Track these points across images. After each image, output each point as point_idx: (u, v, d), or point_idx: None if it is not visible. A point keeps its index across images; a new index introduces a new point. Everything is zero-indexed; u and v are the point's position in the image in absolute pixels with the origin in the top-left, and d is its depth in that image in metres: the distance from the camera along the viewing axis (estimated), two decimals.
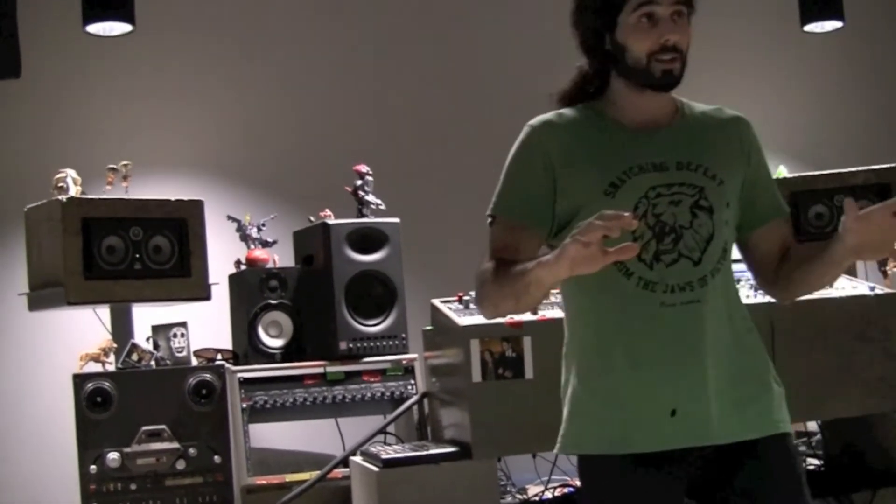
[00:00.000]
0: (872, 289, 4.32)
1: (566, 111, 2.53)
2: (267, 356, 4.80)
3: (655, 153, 2.42)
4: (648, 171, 2.40)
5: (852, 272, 4.79)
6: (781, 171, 5.36)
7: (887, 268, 5.19)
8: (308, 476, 4.42)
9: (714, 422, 2.36)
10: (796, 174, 5.29)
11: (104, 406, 4.30)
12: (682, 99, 2.56)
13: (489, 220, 2.52)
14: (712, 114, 2.57)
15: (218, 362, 4.61)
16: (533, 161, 2.46)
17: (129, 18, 5.22)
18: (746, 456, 2.39)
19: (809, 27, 6.49)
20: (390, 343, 4.83)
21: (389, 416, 4.65)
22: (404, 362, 4.82)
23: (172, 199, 4.68)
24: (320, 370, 4.72)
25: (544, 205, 2.45)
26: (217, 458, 4.44)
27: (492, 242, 2.49)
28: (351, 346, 4.74)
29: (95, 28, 5.26)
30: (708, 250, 2.38)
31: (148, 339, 4.59)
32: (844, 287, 4.37)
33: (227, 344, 4.96)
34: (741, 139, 2.53)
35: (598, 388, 2.42)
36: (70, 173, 4.65)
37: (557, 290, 2.54)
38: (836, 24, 6.51)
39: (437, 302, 4.25)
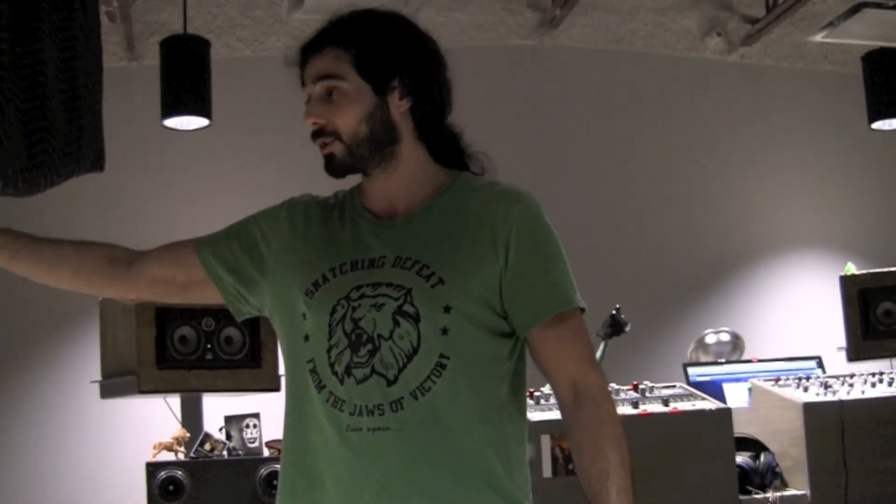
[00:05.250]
0: None
1: (340, 192, 2.23)
2: None
3: (379, 247, 2.06)
4: (360, 269, 2.04)
5: None
6: (849, 268, 5.36)
7: None
8: None
9: None
10: (864, 271, 5.30)
11: (176, 495, 4.30)
12: (465, 175, 2.15)
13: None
14: (479, 194, 2.10)
15: None
16: (258, 226, 2.21)
17: (205, 113, 5.36)
18: None
19: (877, 125, 6.51)
20: None
21: None
22: None
23: None
24: None
25: (232, 258, 2.18)
26: None
27: None
28: None
29: (173, 122, 5.39)
30: (409, 367, 1.96)
31: (221, 430, 4.62)
32: None
33: None
34: (496, 226, 2.03)
35: None
36: None
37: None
38: None
39: None
